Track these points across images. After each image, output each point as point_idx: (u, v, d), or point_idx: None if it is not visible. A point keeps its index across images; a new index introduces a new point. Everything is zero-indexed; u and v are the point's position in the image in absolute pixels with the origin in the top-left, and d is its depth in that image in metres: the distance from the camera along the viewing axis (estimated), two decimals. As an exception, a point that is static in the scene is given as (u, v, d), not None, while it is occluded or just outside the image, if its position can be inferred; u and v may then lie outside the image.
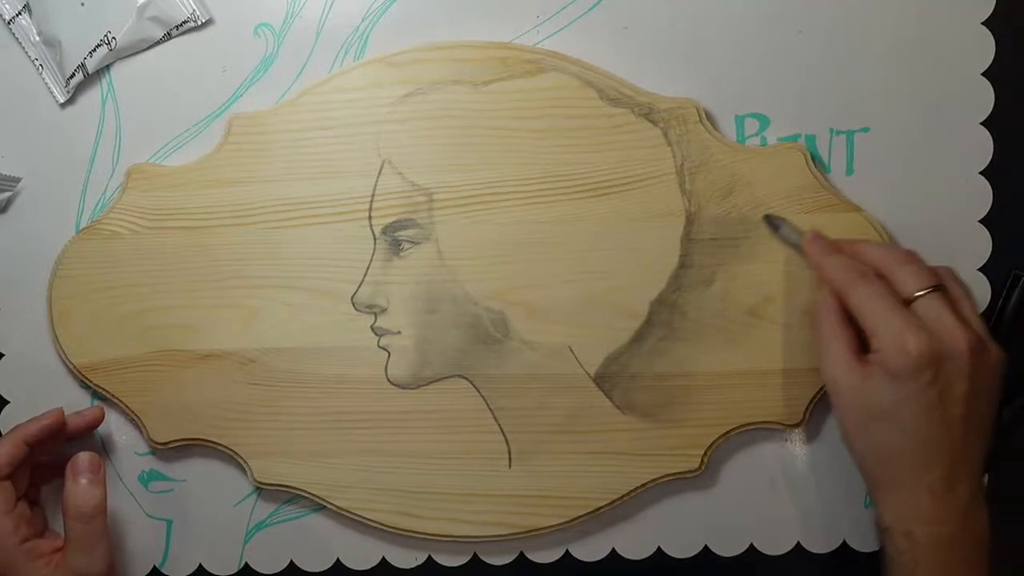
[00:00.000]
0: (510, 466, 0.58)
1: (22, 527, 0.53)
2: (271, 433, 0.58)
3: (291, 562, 0.60)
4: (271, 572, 0.61)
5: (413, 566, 0.60)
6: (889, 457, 0.50)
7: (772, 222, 0.56)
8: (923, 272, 0.51)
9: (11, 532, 0.53)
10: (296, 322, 0.57)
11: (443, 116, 0.57)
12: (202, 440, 0.58)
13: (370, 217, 0.57)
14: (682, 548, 0.60)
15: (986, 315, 0.58)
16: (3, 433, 0.59)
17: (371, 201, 0.57)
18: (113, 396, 0.58)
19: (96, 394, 0.59)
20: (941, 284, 0.50)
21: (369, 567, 0.60)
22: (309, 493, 0.58)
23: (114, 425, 0.60)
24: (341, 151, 0.57)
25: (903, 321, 0.49)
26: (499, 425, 0.58)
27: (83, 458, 0.54)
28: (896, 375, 0.48)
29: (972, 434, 0.50)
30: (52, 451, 0.57)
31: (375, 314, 0.57)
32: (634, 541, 0.60)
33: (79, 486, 0.53)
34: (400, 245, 0.57)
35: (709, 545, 0.60)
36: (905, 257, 0.52)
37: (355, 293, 0.57)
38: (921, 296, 0.50)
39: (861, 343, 0.51)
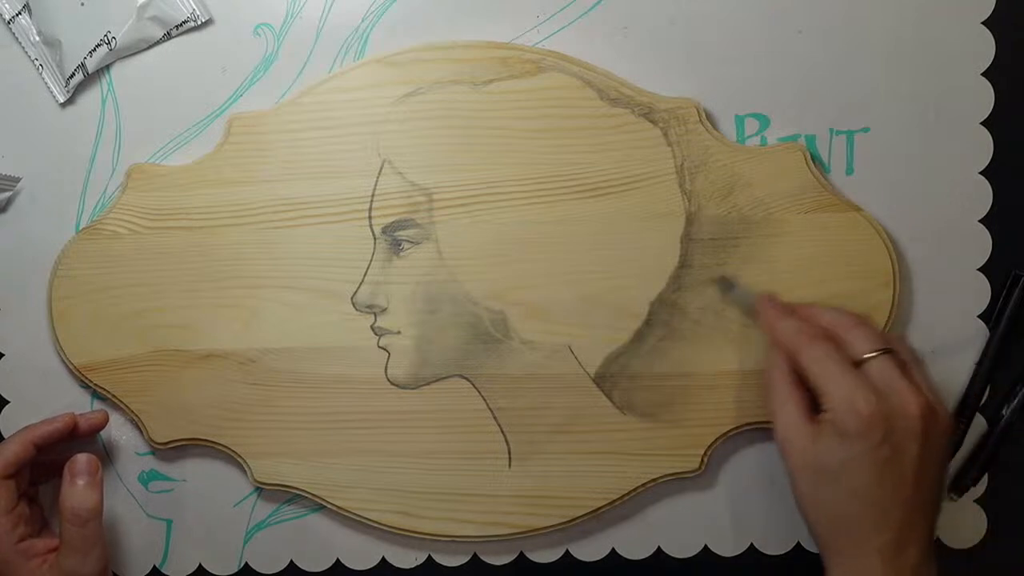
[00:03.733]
0: (510, 466, 0.58)
1: (20, 526, 0.53)
2: (271, 433, 0.58)
3: (291, 562, 0.60)
4: (271, 572, 0.61)
5: (413, 566, 0.60)
6: (840, 519, 0.50)
7: (723, 284, 0.56)
8: (873, 335, 0.51)
9: (9, 531, 0.53)
10: (296, 322, 0.57)
11: (443, 116, 0.57)
12: (202, 440, 0.58)
13: (370, 217, 0.57)
14: (682, 548, 0.60)
15: (986, 315, 0.58)
16: (3, 434, 0.59)
17: (371, 201, 0.57)
18: (113, 396, 0.58)
19: (96, 394, 0.59)
20: (890, 348, 0.50)
21: (369, 567, 0.60)
22: (309, 493, 0.58)
23: (114, 425, 0.60)
24: (341, 151, 0.57)
25: (853, 382, 0.49)
26: (499, 425, 0.58)
27: (81, 460, 0.53)
28: (846, 435, 0.48)
29: (922, 497, 0.49)
30: (53, 451, 0.57)
31: (375, 314, 0.57)
32: (634, 541, 0.60)
33: (76, 488, 0.53)
34: (400, 245, 0.57)
35: (709, 545, 0.60)
36: (855, 320, 0.52)
37: (355, 293, 0.57)
38: (871, 358, 0.50)
39: (813, 405, 0.51)
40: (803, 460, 0.50)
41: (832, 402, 0.49)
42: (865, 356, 0.50)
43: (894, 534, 0.49)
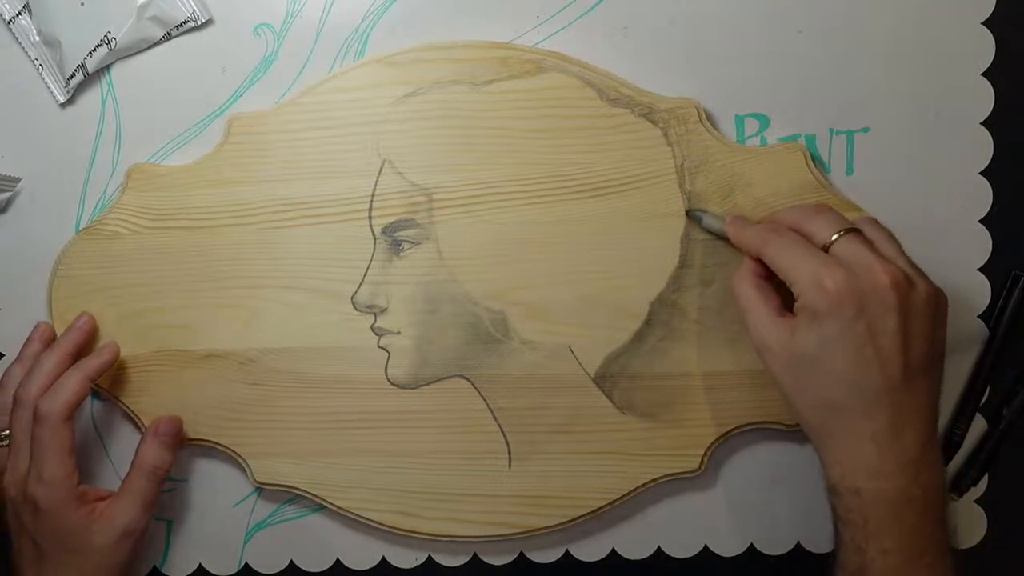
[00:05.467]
0: (510, 466, 0.58)
1: (77, 471, 0.54)
2: (271, 433, 0.58)
3: (291, 562, 0.60)
4: (271, 572, 0.61)
5: (413, 566, 0.60)
6: (827, 407, 0.48)
7: (694, 215, 0.56)
8: (835, 218, 0.50)
9: (70, 473, 0.54)
10: (296, 322, 0.57)
11: (443, 116, 0.57)
12: (202, 440, 0.58)
13: (370, 217, 0.57)
14: (682, 548, 0.60)
15: (986, 315, 0.58)
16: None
17: (371, 201, 0.57)
18: (113, 396, 0.58)
19: (96, 394, 0.59)
20: (855, 227, 0.49)
21: (369, 567, 0.60)
22: (309, 493, 0.58)
23: (113, 425, 0.60)
24: (341, 151, 0.57)
25: (818, 261, 0.47)
26: (499, 425, 0.58)
27: (167, 419, 0.57)
28: (817, 314, 0.47)
29: (915, 379, 0.47)
30: None
31: (375, 314, 0.57)
32: (634, 541, 0.60)
33: (159, 443, 0.56)
34: (400, 245, 0.57)
35: (709, 545, 0.60)
36: (816, 208, 0.51)
37: (355, 293, 0.57)
38: (837, 239, 0.48)
39: (786, 305, 0.50)
40: (783, 357, 0.49)
41: (801, 286, 0.48)
42: (832, 239, 0.49)
43: (887, 419, 0.47)
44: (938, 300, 0.49)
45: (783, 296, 0.50)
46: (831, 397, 0.48)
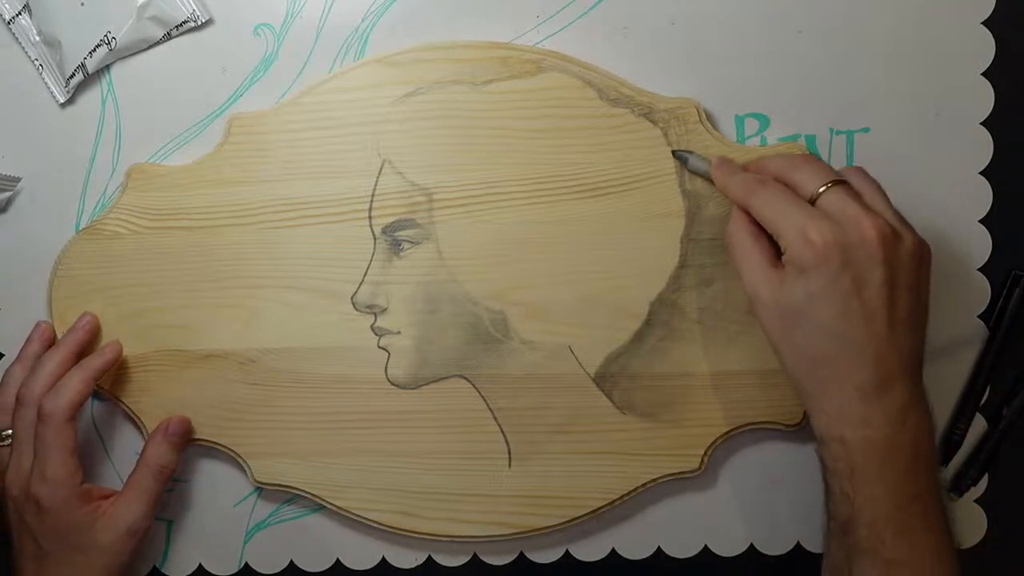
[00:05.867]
0: (510, 466, 0.58)
1: (80, 470, 0.54)
2: (271, 433, 0.58)
3: (291, 562, 0.60)
4: (271, 572, 0.61)
5: (413, 566, 0.60)
6: (813, 360, 0.48)
7: (679, 156, 0.56)
8: (822, 169, 0.50)
9: (73, 472, 0.54)
10: (296, 322, 0.57)
11: (443, 116, 0.57)
12: (202, 440, 0.58)
13: (370, 217, 0.57)
14: (682, 548, 0.60)
15: (986, 315, 0.58)
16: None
17: (371, 201, 0.57)
18: (113, 396, 0.58)
19: (96, 394, 0.59)
20: (842, 179, 0.49)
21: (369, 567, 0.60)
22: (309, 493, 0.58)
23: (114, 425, 0.60)
24: (341, 151, 0.57)
25: (804, 214, 0.47)
26: (499, 425, 0.58)
27: (177, 420, 0.57)
28: (803, 268, 0.47)
29: (900, 331, 0.47)
30: None
31: (375, 314, 0.57)
32: (634, 541, 0.60)
33: (168, 444, 0.56)
34: (400, 245, 0.57)
35: (709, 545, 0.60)
36: (803, 158, 0.51)
37: (355, 293, 0.57)
38: (823, 192, 0.48)
39: (778, 254, 0.50)
40: (772, 308, 0.49)
41: (787, 239, 0.48)
42: (819, 191, 0.48)
43: (872, 371, 0.47)
44: (923, 253, 0.48)
45: (775, 246, 0.50)
46: (817, 349, 0.48)
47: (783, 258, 0.48)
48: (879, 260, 0.46)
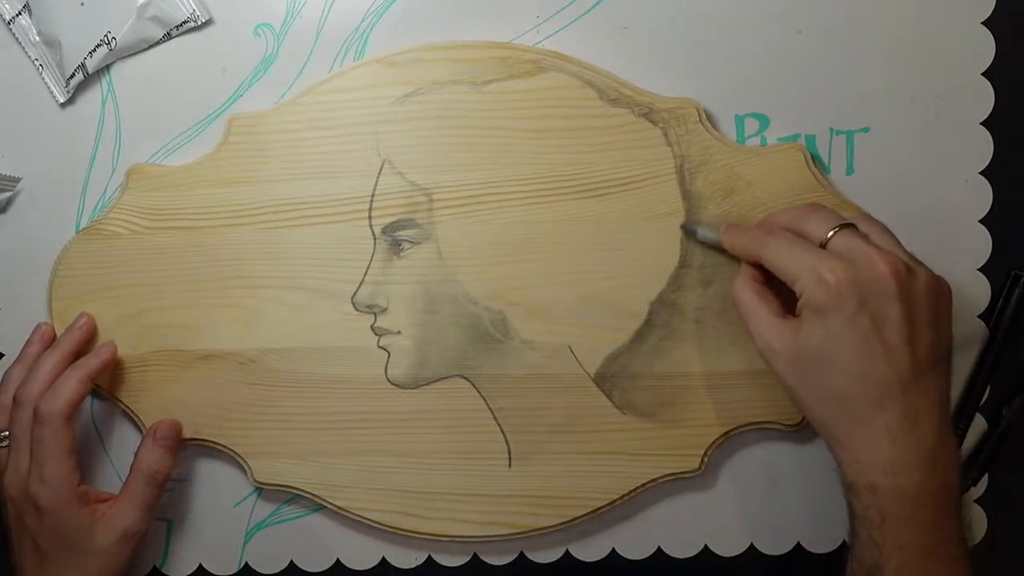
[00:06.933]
0: (510, 466, 0.58)
1: (78, 471, 0.54)
2: (271, 433, 0.58)
3: (291, 562, 0.60)
4: (271, 572, 0.61)
5: (413, 566, 0.60)
6: (838, 403, 0.47)
7: (688, 230, 0.56)
8: (830, 215, 0.50)
9: (70, 472, 0.54)
10: (296, 322, 0.57)
11: (443, 116, 0.57)
12: (202, 440, 0.58)
13: (370, 217, 0.57)
14: (682, 548, 0.60)
15: (986, 315, 0.58)
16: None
17: (371, 201, 0.57)
18: (113, 396, 0.58)
19: (96, 394, 0.59)
20: (850, 223, 0.49)
21: (369, 567, 0.60)
22: (309, 493, 0.58)
23: (114, 425, 0.60)
24: (341, 151, 0.57)
25: (815, 256, 0.48)
26: (499, 425, 0.58)
27: (166, 423, 0.57)
28: (820, 309, 0.47)
29: (925, 367, 0.47)
30: None
31: (375, 314, 0.57)
32: (634, 541, 0.60)
33: (159, 448, 0.56)
34: (400, 245, 0.57)
35: (709, 545, 0.60)
36: (809, 207, 0.51)
37: (355, 293, 0.57)
38: (833, 235, 0.48)
39: (787, 307, 0.50)
40: (788, 357, 0.48)
41: (801, 283, 0.48)
42: (828, 235, 0.49)
43: (900, 411, 0.46)
44: (940, 288, 0.48)
45: (783, 299, 0.50)
46: (841, 391, 0.47)
47: (799, 303, 0.48)
48: (894, 295, 0.46)
